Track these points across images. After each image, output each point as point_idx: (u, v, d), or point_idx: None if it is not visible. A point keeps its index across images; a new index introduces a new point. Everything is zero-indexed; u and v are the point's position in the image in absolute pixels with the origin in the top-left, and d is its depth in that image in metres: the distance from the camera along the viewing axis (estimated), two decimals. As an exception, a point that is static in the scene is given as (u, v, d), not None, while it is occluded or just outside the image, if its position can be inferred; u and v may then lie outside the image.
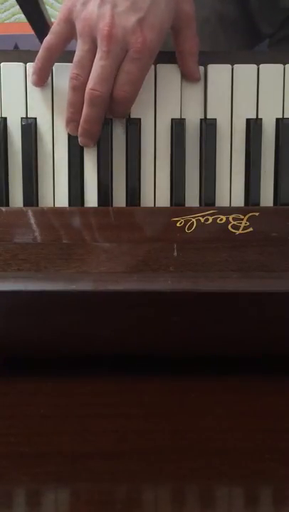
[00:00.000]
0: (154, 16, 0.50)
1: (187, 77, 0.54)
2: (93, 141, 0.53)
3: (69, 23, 0.52)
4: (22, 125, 0.54)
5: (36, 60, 0.53)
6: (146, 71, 0.51)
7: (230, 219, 0.48)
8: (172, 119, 0.54)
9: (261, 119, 0.54)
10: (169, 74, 0.54)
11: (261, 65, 0.54)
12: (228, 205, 0.55)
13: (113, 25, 0.49)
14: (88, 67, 0.51)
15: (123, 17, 0.49)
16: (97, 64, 0.50)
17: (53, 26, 0.53)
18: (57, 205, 0.55)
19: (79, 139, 0.53)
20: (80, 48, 0.51)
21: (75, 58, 0.51)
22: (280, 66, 0.54)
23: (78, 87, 0.51)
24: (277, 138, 0.55)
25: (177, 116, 0.55)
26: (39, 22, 0.64)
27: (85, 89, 0.51)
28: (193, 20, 0.53)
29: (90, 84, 0.50)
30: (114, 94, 0.51)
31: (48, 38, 0.52)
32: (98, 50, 0.50)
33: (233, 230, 0.47)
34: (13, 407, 0.44)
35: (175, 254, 0.46)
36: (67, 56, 0.52)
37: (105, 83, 0.50)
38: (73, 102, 0.52)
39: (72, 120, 0.53)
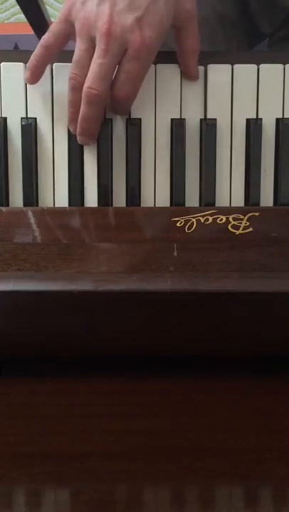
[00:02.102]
0: (152, 14, 0.49)
1: (186, 74, 0.54)
2: (92, 139, 0.53)
3: (68, 23, 0.51)
4: (22, 125, 0.54)
5: (32, 57, 0.52)
6: (145, 70, 0.51)
7: (230, 219, 0.48)
8: (172, 119, 0.54)
9: (261, 119, 0.54)
10: (169, 74, 0.54)
11: (261, 65, 0.54)
12: (228, 205, 0.55)
13: (112, 23, 0.48)
14: (87, 67, 0.50)
15: (122, 15, 0.49)
16: (95, 62, 0.49)
17: (52, 25, 0.53)
18: (57, 205, 0.55)
19: (78, 138, 0.53)
20: (78, 47, 0.51)
21: (74, 58, 0.51)
22: (280, 66, 0.54)
23: (77, 87, 0.51)
24: (277, 138, 0.55)
25: (177, 116, 0.55)
26: (39, 22, 0.64)
27: None
28: (194, 18, 0.53)
29: (87, 83, 0.50)
30: (114, 94, 0.51)
31: (46, 36, 0.52)
32: (96, 48, 0.49)
33: (233, 230, 0.47)
34: (13, 407, 0.44)
35: (175, 254, 0.46)
36: (66, 56, 0.52)
37: (103, 81, 0.50)
38: (73, 101, 0.52)
39: (74, 120, 0.53)
